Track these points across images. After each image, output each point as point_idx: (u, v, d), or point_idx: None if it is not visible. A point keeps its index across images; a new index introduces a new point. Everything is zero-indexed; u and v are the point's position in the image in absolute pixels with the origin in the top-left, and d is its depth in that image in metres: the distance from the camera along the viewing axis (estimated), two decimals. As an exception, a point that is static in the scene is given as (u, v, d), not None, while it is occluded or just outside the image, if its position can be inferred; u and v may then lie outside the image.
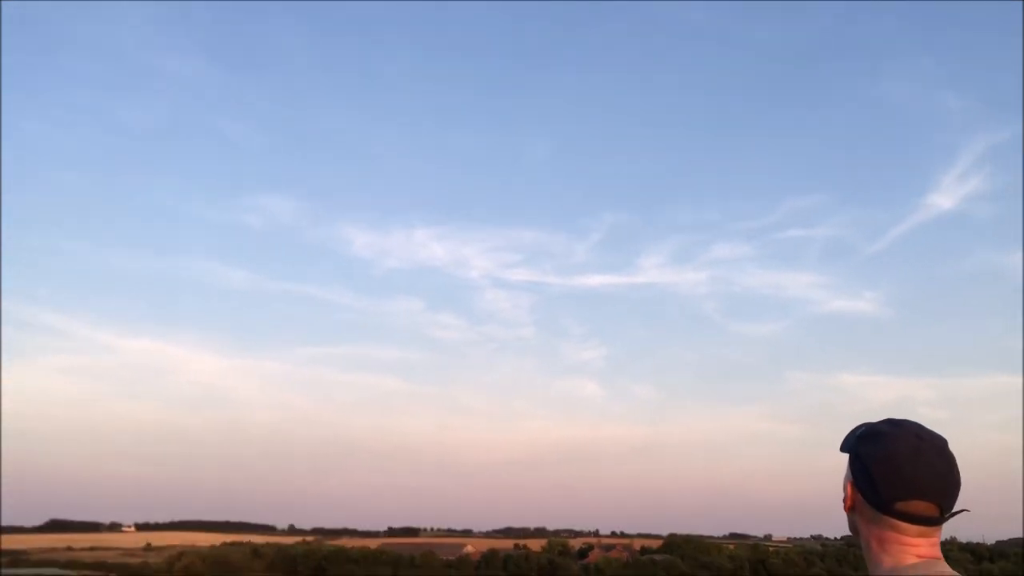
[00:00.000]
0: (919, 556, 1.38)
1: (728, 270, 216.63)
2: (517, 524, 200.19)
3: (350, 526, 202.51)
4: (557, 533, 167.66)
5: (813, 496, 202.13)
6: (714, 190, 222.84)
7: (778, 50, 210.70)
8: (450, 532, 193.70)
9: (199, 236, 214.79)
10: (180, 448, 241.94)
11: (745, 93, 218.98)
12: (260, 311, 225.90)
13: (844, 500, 1.49)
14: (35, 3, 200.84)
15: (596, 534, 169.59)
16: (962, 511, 1.40)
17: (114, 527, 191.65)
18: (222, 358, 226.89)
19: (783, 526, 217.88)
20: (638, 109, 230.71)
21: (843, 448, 1.51)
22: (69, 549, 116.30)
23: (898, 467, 1.38)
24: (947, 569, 1.37)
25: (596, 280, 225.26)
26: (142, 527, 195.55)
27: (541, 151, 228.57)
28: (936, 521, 1.39)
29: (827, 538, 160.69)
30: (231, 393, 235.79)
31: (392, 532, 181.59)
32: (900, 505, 1.38)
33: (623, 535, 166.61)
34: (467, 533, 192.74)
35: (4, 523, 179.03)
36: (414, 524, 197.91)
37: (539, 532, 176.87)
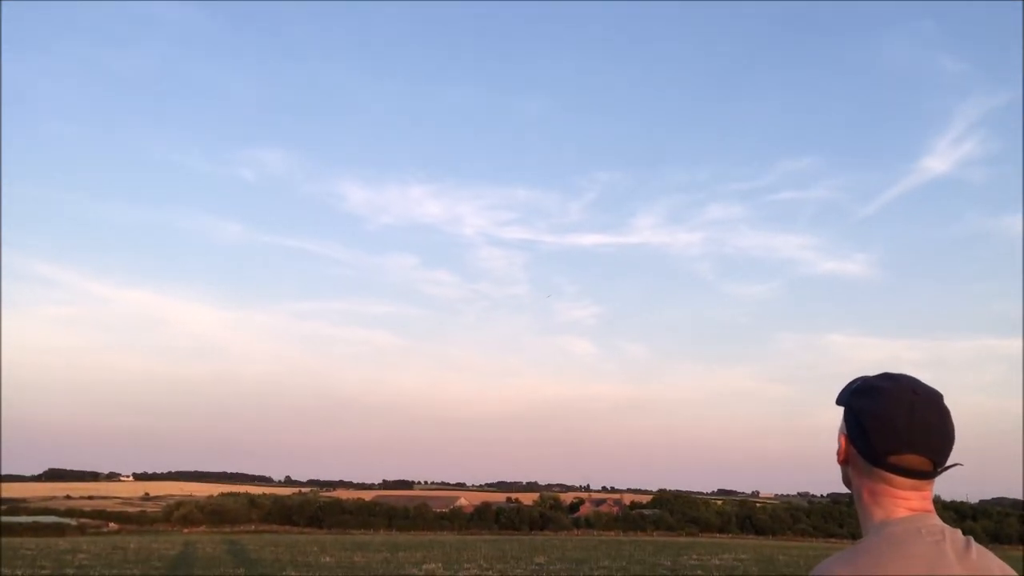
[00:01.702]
0: (911, 509, 1.41)
1: (721, 231, 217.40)
2: (509, 478, 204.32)
3: (345, 478, 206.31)
4: (549, 487, 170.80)
5: (800, 454, 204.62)
6: (709, 151, 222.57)
7: (774, 11, 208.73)
8: (444, 485, 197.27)
9: (194, 188, 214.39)
10: (176, 399, 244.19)
11: (740, 54, 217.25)
12: (254, 265, 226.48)
13: (838, 452, 1.51)
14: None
15: (587, 489, 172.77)
16: (955, 465, 1.42)
17: (112, 476, 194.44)
18: (217, 310, 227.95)
19: (770, 483, 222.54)
20: (633, 69, 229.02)
21: (838, 401, 1.54)
22: (68, 498, 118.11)
23: (892, 420, 1.40)
24: (938, 522, 1.40)
25: (590, 239, 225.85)
26: (140, 477, 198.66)
27: (535, 109, 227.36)
28: (929, 475, 1.41)
29: (813, 495, 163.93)
30: (226, 345, 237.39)
31: (387, 484, 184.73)
32: (893, 458, 1.40)
33: (613, 490, 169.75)
34: (460, 486, 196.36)
35: (3, 472, 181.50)
36: (408, 477, 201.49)
37: (531, 486, 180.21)
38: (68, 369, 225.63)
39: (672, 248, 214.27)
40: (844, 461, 1.50)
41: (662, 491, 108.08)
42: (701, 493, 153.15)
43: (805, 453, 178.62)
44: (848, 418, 1.48)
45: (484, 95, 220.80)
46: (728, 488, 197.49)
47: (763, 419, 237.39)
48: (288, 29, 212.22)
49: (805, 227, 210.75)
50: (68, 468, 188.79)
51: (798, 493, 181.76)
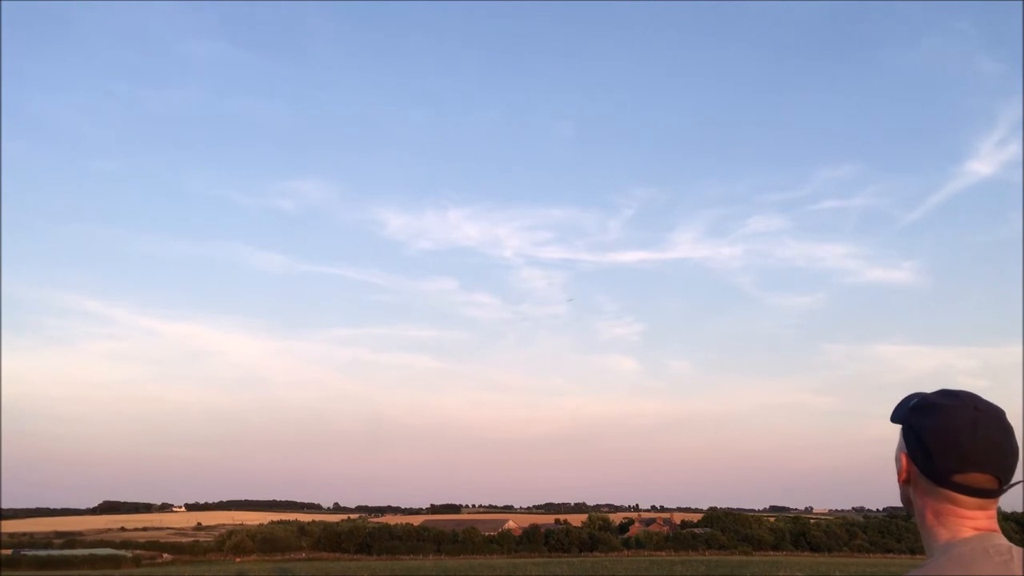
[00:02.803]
0: (976, 528, 1.38)
1: (763, 243, 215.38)
2: (557, 499, 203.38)
3: (393, 504, 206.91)
4: (597, 508, 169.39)
5: (854, 467, 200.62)
6: (746, 163, 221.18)
7: (809, 17, 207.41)
8: (491, 508, 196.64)
9: (235, 221, 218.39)
10: (225, 429, 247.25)
11: (774, 63, 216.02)
12: (296, 293, 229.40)
13: (899, 472, 1.48)
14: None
15: (636, 508, 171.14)
16: (1020, 482, 1.39)
17: (165, 507, 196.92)
18: (262, 340, 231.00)
19: (824, 498, 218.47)
20: (663, 83, 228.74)
21: (895, 419, 1.49)
22: (123, 530, 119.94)
23: (956, 439, 1.37)
24: (1004, 541, 1.37)
25: (629, 256, 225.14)
26: (192, 507, 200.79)
27: (567, 129, 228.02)
28: (995, 493, 1.38)
29: (869, 509, 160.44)
30: (272, 374, 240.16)
31: (434, 509, 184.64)
32: (958, 477, 1.37)
33: (663, 509, 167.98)
34: (508, 509, 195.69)
35: (59, 505, 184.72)
36: (456, 501, 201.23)
37: (579, 507, 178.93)
38: (119, 402, 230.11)
39: (713, 262, 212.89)
40: (905, 481, 1.47)
41: (713, 509, 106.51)
42: (753, 510, 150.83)
43: (859, 466, 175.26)
44: (908, 437, 1.45)
45: (517, 117, 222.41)
46: (780, 504, 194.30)
47: (814, 432, 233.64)
48: (320, 62, 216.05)
49: (849, 236, 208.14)
50: (122, 500, 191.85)
51: (853, 508, 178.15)
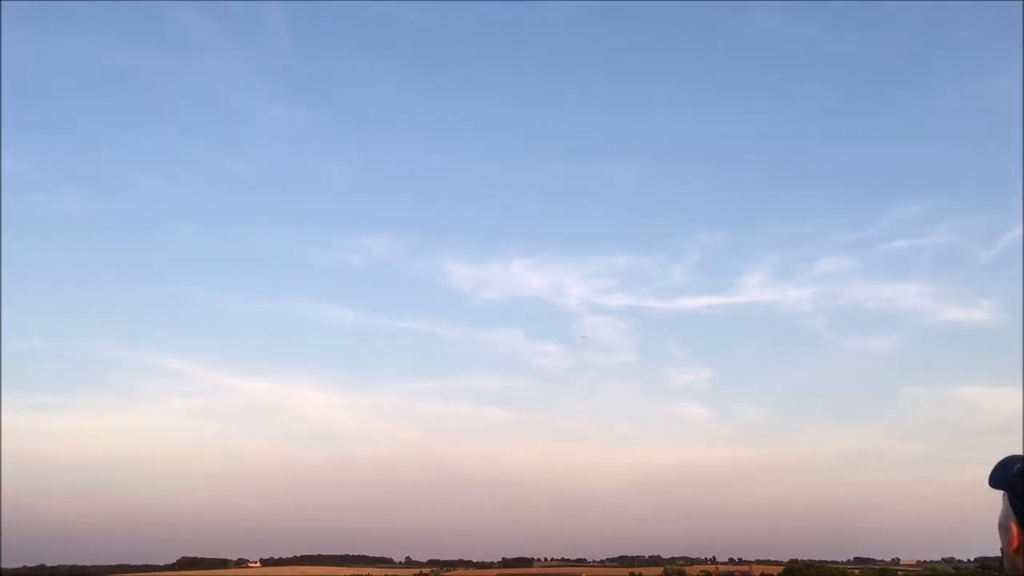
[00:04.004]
0: None
1: (833, 284, 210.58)
2: (631, 552, 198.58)
3: (465, 557, 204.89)
4: (673, 560, 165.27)
5: (942, 516, 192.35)
6: (812, 203, 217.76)
7: (874, 53, 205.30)
8: (564, 561, 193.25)
9: (305, 277, 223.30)
10: (298, 483, 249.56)
11: (838, 100, 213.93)
12: (366, 347, 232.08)
13: (1009, 541, 1.39)
14: (136, 60, 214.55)
15: (713, 561, 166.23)
16: None
17: (241, 563, 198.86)
18: (333, 394, 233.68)
19: (911, 548, 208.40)
20: (724, 125, 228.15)
21: (996, 484, 1.39)
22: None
23: None
24: None
25: (696, 302, 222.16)
26: (267, 562, 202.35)
27: (627, 175, 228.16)
28: None
29: (959, 560, 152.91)
30: (343, 428, 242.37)
31: (506, 563, 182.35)
32: None
33: (741, 561, 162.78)
34: (581, 562, 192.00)
35: (139, 562, 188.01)
36: (528, 554, 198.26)
37: (654, 560, 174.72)
38: (196, 458, 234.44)
39: (782, 305, 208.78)
40: (1016, 549, 1.37)
41: (794, 561, 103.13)
42: (836, 562, 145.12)
43: (948, 515, 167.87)
44: (1016, 504, 1.34)
45: (576, 165, 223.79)
46: (865, 556, 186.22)
47: (898, 479, 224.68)
48: (382, 117, 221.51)
49: (923, 275, 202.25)
50: (200, 556, 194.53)
51: (943, 559, 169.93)
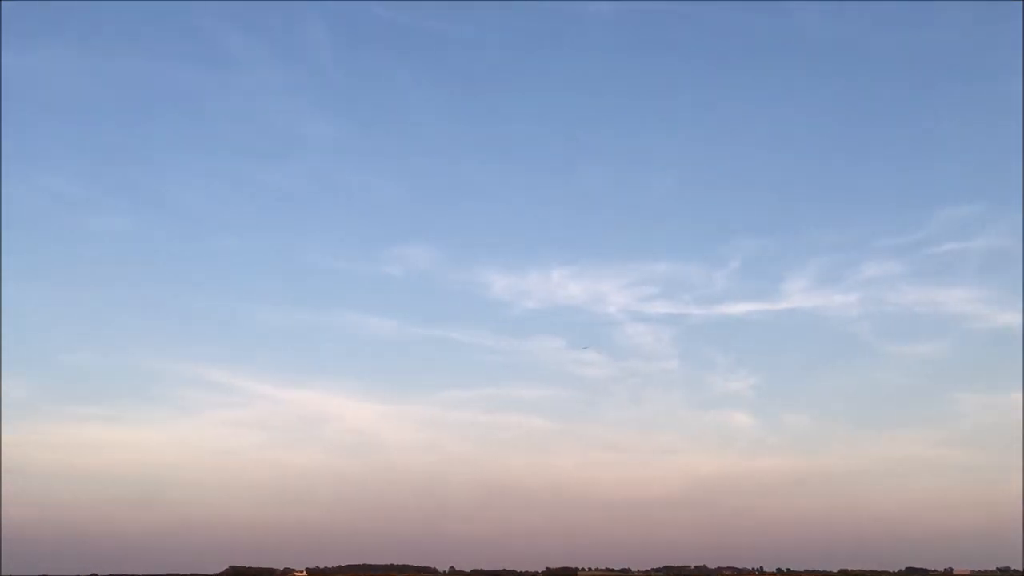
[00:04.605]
0: None
1: (879, 289, 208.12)
2: (677, 562, 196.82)
3: (508, 566, 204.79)
4: (719, 570, 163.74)
5: (996, 525, 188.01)
6: (858, 206, 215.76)
7: (921, 54, 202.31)
8: (608, 571, 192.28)
9: (347, 289, 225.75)
10: (342, 493, 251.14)
11: (883, 102, 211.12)
12: (407, 357, 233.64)
13: None
14: (181, 78, 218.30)
15: (760, 571, 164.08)
16: None
17: (287, 572, 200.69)
18: (376, 404, 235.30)
19: (965, 558, 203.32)
20: (765, 129, 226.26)
21: None
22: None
23: None
24: None
25: (739, 308, 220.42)
26: (312, 571, 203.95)
27: (667, 182, 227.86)
28: None
29: (1015, 569, 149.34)
30: (386, 438, 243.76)
31: (551, 572, 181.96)
32: None
33: (789, 572, 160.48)
34: (626, 572, 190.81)
35: (189, 571, 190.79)
36: (572, 563, 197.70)
37: (700, 570, 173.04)
38: (243, 468, 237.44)
39: (827, 311, 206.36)
40: None
41: (844, 572, 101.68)
42: (888, 572, 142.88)
43: (1002, 523, 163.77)
44: None
45: (615, 173, 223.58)
46: (917, 566, 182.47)
47: (948, 488, 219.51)
48: (422, 128, 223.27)
49: (972, 279, 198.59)
50: (247, 565, 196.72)
51: (997, 568, 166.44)
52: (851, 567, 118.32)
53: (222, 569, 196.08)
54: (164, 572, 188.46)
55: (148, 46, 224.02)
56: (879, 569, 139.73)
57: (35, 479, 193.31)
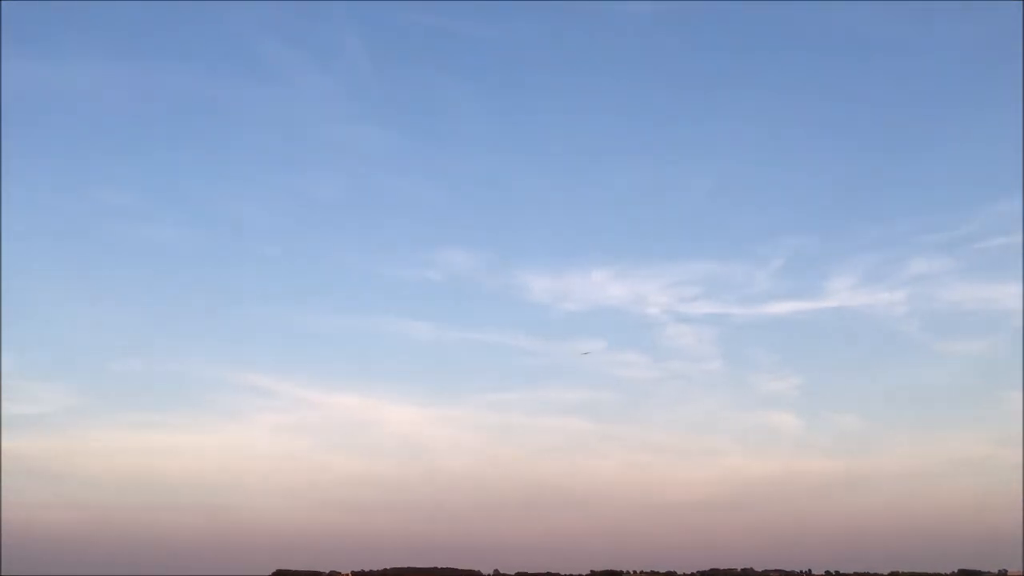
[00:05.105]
0: None
1: (927, 286, 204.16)
2: (722, 564, 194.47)
3: (553, 570, 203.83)
4: (766, 573, 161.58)
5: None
6: (902, 202, 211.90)
7: (962, 49, 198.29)
8: (654, 574, 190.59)
9: (388, 294, 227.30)
10: (387, 496, 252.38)
11: (928, 95, 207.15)
12: (449, 361, 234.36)
13: None
14: (223, 91, 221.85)
15: (809, 574, 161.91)
16: None
17: (333, 575, 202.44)
18: (418, 408, 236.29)
19: (1018, 559, 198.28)
20: (806, 126, 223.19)
21: None
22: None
23: None
24: None
25: (782, 307, 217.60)
26: (358, 574, 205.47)
27: (706, 181, 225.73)
28: None
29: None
30: (428, 441, 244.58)
31: (595, 575, 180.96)
32: None
33: (839, 574, 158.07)
34: (671, 575, 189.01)
35: (236, 574, 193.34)
36: (616, 566, 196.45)
37: (746, 573, 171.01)
38: (290, 473, 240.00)
39: (874, 309, 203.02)
40: None
41: (895, 574, 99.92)
42: (940, 574, 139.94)
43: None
44: None
45: (655, 173, 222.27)
46: (970, 567, 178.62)
47: (999, 488, 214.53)
48: (459, 133, 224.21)
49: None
50: (294, 568, 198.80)
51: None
52: (902, 569, 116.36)
53: (270, 572, 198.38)
54: (212, 575, 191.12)
55: (192, 60, 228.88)
56: (931, 571, 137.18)
57: (86, 485, 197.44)
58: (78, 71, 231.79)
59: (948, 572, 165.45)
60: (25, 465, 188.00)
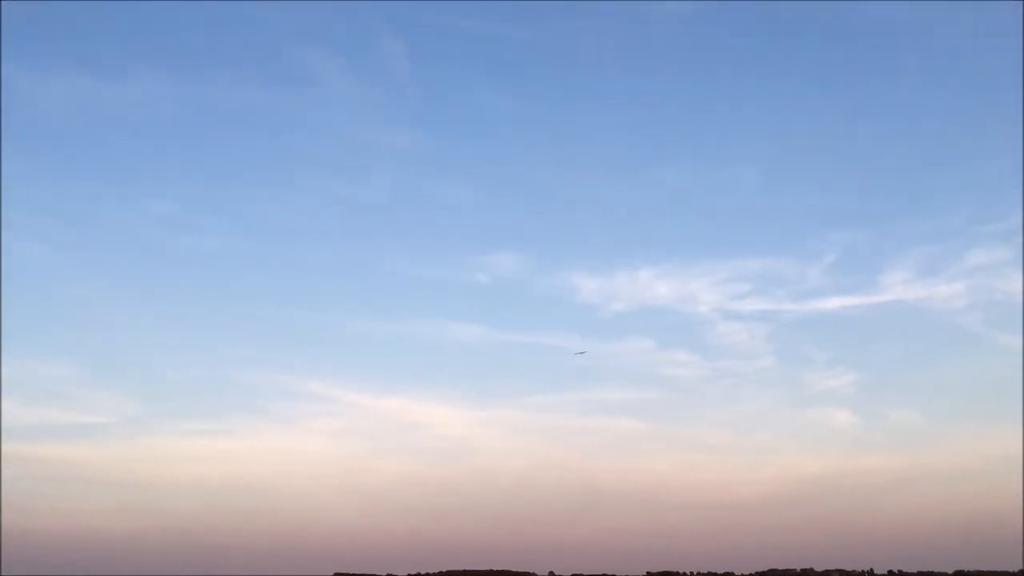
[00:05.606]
0: None
1: (986, 277, 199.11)
2: (781, 565, 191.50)
3: (609, 571, 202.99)
4: (827, 573, 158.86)
5: None
6: (957, 192, 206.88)
7: (1008, 33, 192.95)
8: (711, 574, 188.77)
9: (435, 297, 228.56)
10: (439, 500, 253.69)
11: (979, 81, 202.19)
12: (498, 363, 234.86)
13: None
14: (265, 98, 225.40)
15: (871, 573, 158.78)
16: None
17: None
18: (468, 410, 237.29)
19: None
20: (854, 116, 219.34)
21: None
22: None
23: None
24: None
25: (835, 303, 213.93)
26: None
27: (754, 177, 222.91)
28: None
29: None
30: (478, 444, 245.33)
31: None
32: None
33: (901, 573, 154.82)
34: (728, 575, 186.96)
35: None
36: (673, 567, 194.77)
37: (806, 573, 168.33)
38: (343, 476, 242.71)
39: (931, 302, 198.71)
40: None
41: (960, 572, 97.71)
42: (1007, 572, 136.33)
43: None
44: None
45: (700, 170, 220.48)
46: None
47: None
48: (501, 135, 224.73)
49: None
50: (352, 572, 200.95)
51: None
52: (967, 567, 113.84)
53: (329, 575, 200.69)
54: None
55: (231, 70, 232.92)
56: (998, 570, 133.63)
57: (146, 492, 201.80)
58: (125, 86, 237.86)
59: (1015, 570, 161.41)
60: (85, 473, 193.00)
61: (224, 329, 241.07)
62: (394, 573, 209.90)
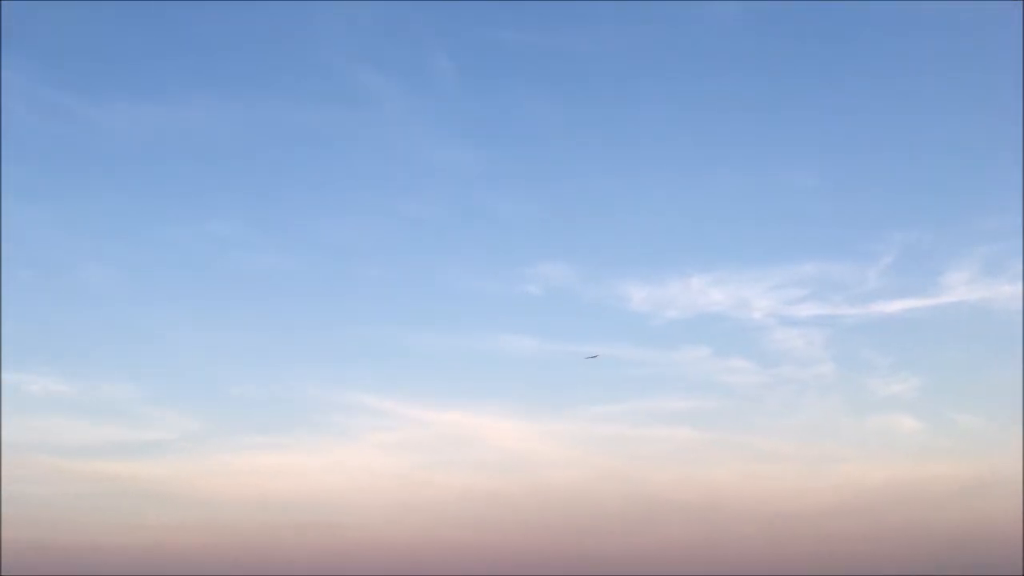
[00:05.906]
0: None
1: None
2: (845, 573, 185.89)
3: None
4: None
5: None
6: (1018, 187, 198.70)
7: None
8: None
9: (488, 310, 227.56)
10: (495, 512, 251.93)
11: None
12: (551, 374, 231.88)
13: None
14: (317, 117, 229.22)
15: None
16: None
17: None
18: (523, 422, 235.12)
19: None
20: (910, 114, 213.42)
21: None
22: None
23: None
24: None
25: (895, 306, 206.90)
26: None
27: (809, 179, 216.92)
28: None
29: None
30: (533, 456, 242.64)
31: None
32: None
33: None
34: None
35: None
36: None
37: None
38: (400, 490, 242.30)
39: (995, 303, 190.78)
40: None
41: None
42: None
43: None
44: None
45: (752, 174, 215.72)
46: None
47: None
48: (551, 145, 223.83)
49: None
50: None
51: None
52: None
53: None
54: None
55: (285, 90, 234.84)
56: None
57: (208, 507, 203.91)
58: (186, 109, 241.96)
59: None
60: (150, 489, 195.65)
61: (283, 345, 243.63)
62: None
